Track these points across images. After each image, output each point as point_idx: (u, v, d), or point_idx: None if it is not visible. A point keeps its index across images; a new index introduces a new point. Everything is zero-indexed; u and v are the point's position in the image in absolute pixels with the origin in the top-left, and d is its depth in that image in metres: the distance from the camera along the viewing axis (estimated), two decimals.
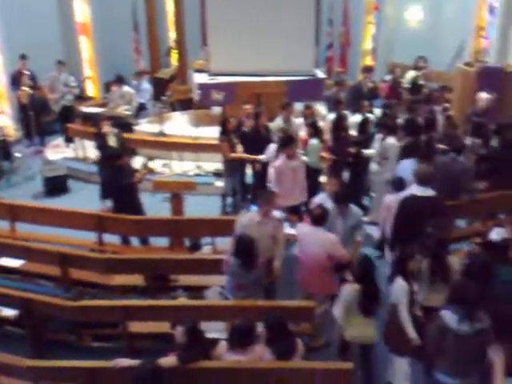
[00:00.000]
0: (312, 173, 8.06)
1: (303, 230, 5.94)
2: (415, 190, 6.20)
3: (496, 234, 6.25)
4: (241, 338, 4.75)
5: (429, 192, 6.16)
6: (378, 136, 8.15)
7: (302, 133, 8.81)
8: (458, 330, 4.32)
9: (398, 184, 6.68)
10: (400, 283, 5.05)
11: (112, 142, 8.51)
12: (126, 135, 9.45)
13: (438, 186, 6.63)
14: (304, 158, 7.94)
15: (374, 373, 5.42)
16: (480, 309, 4.36)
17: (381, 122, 8.43)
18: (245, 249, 5.33)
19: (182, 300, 5.68)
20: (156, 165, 10.06)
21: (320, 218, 5.76)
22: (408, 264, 5.13)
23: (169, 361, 4.69)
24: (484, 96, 9.20)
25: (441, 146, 7.95)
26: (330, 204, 6.11)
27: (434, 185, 6.48)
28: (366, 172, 8.37)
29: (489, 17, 12.34)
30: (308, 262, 5.72)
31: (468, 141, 8.24)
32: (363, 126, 8.54)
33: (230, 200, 8.88)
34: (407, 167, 7.01)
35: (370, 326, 5.20)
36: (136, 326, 5.62)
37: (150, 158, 9.95)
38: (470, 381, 4.58)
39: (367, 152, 8.24)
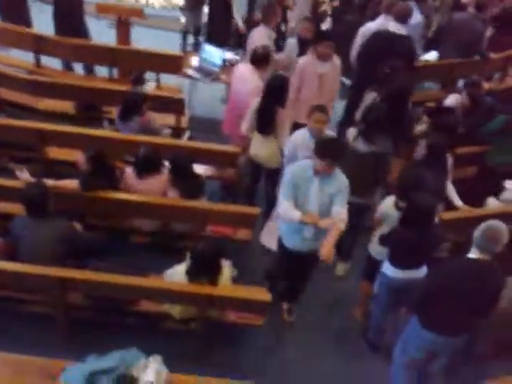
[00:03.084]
0: None
1: (241, 68, 5.53)
2: (391, 25, 5.92)
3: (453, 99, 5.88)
4: (146, 164, 4.66)
5: (403, 30, 5.87)
6: None
7: None
8: (354, 147, 4.58)
9: None
10: None
11: None
12: None
13: (452, 43, 6.44)
14: None
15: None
16: (382, 132, 4.59)
17: None
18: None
19: (102, 131, 5.42)
20: None
21: (261, 59, 5.33)
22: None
23: (70, 184, 4.59)
24: None
25: None
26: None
27: (447, 42, 6.41)
28: None
29: None
30: (235, 102, 5.40)
31: None
32: None
33: (191, 38, 8.28)
34: None
35: (267, 146, 5.07)
36: (55, 152, 5.43)
37: None
38: (366, 200, 4.78)
39: None
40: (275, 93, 4.89)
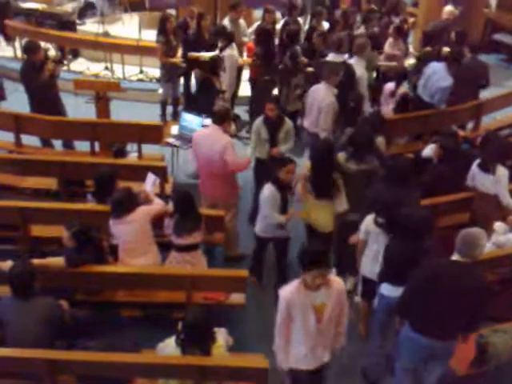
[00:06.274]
0: None
1: (200, 133, 5.60)
2: (330, 57, 6.67)
3: (430, 150, 5.98)
4: (118, 206, 4.68)
5: (341, 58, 6.61)
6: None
7: (246, 39, 8.29)
8: (345, 166, 5.03)
9: None
10: None
11: None
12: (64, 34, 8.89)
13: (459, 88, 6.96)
14: None
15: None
16: (369, 152, 5.11)
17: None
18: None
19: (84, 204, 5.37)
20: (97, 68, 9.52)
21: (223, 117, 5.39)
22: None
23: (56, 261, 4.51)
24: (448, 9, 8.80)
25: None
26: None
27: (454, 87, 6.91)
28: None
29: None
30: (204, 167, 5.45)
31: None
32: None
33: (171, 108, 8.44)
34: None
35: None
36: (39, 230, 5.36)
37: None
38: (355, 217, 4.93)
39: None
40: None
